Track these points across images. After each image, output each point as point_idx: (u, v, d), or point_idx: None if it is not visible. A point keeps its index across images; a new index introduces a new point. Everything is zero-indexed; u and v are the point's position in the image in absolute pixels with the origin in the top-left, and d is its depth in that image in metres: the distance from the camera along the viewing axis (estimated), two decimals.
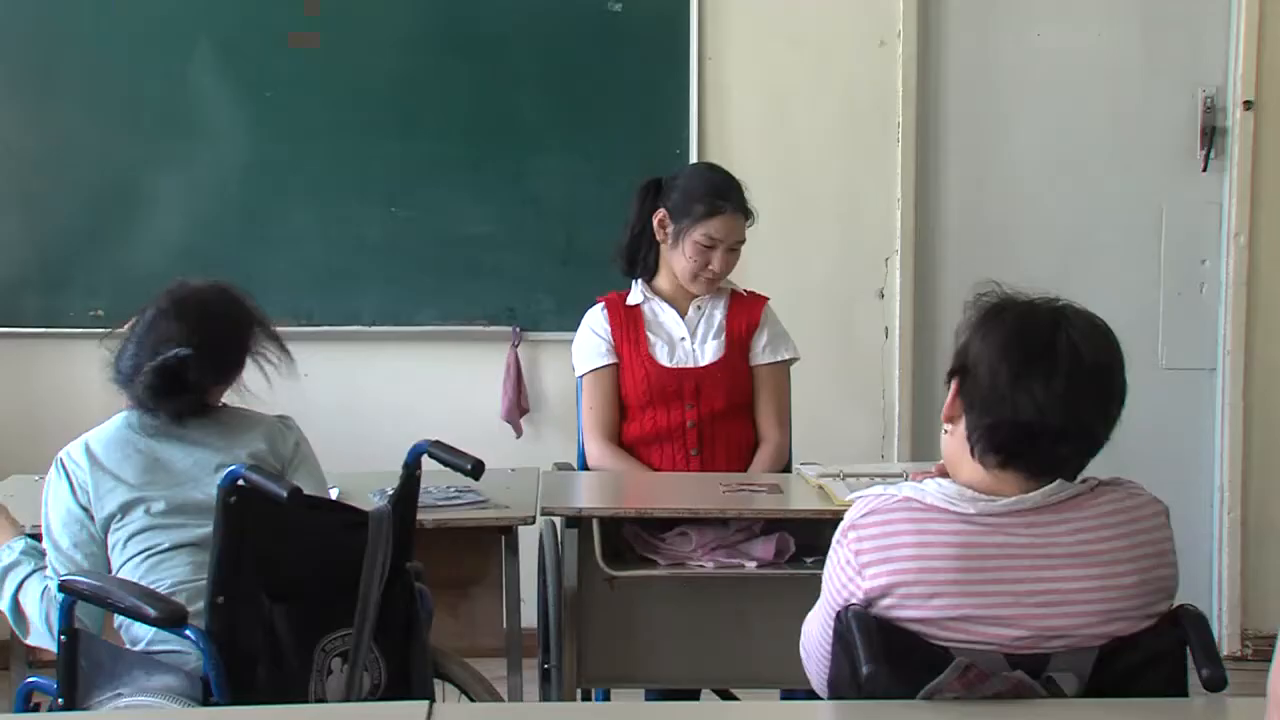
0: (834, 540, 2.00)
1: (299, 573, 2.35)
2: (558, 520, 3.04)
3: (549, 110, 4.40)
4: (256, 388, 2.58)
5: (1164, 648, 1.92)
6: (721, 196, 3.36)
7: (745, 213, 3.39)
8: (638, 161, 4.24)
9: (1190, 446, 4.61)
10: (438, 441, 2.55)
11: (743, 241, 3.41)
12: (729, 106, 4.45)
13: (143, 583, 2.39)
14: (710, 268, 3.38)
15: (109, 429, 2.53)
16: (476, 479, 2.60)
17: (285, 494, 2.23)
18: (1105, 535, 1.92)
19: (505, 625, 3.04)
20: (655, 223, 3.42)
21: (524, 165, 4.40)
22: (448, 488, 3.06)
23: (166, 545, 2.42)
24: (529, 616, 3.11)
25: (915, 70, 4.46)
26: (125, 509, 2.45)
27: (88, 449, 2.50)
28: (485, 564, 3.05)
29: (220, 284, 2.59)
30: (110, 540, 2.46)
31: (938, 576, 1.89)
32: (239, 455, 2.46)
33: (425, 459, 2.55)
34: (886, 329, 4.53)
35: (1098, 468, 2.02)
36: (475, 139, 4.38)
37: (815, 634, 2.05)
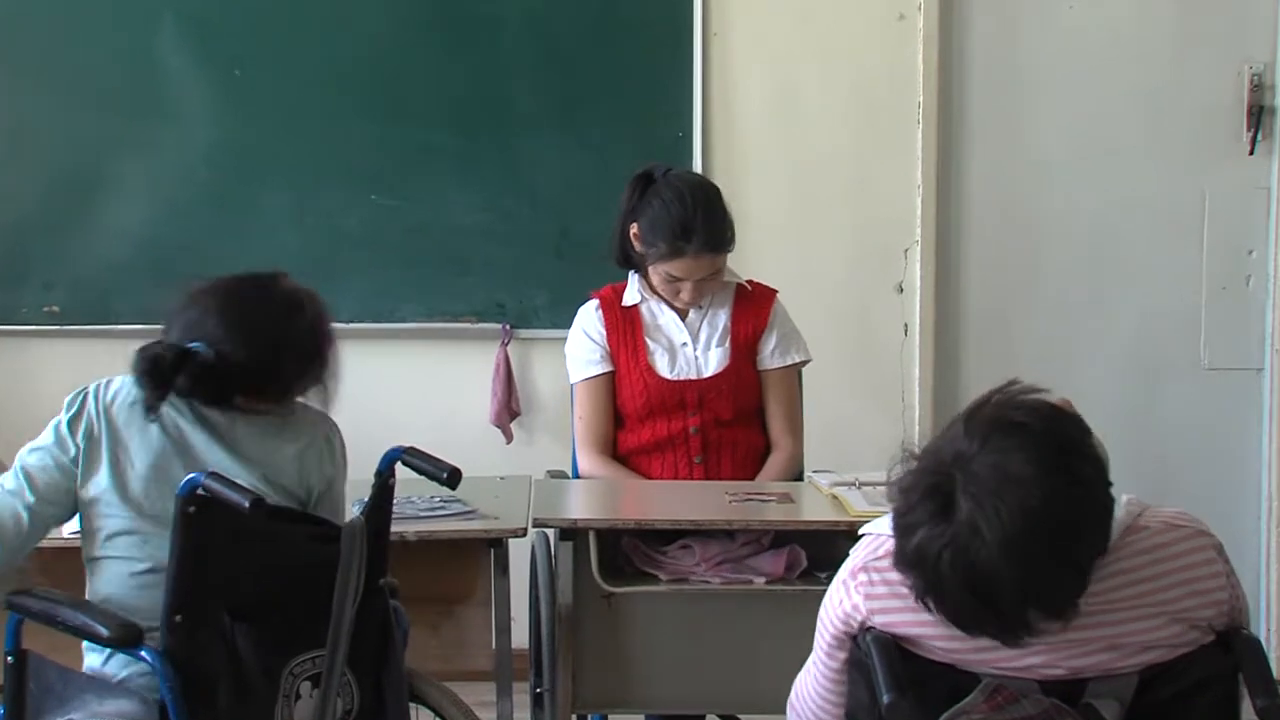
0: (838, 579, 1.95)
1: (265, 590, 2.32)
2: (551, 532, 3.02)
3: (543, 91, 4.37)
4: None
5: (1214, 673, 1.89)
6: (682, 237, 3.30)
7: (715, 247, 3.33)
8: (638, 146, 4.23)
9: (1234, 452, 4.59)
10: (412, 448, 2.53)
11: (718, 271, 3.36)
12: (735, 87, 4.42)
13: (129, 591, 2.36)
14: (681, 297, 3.37)
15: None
16: (453, 488, 2.57)
17: (248, 504, 2.20)
18: (1133, 579, 1.86)
19: (494, 646, 3.02)
20: (631, 237, 3.39)
21: (516, 150, 4.38)
22: (432, 497, 3.04)
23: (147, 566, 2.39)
24: (519, 637, 3.10)
25: (936, 47, 4.44)
26: (111, 491, 2.40)
27: (115, 401, 2.43)
28: (472, 580, 3.04)
29: (292, 290, 2.51)
30: (90, 513, 2.41)
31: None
32: (253, 475, 2.41)
33: (399, 467, 2.52)
34: (906, 326, 4.50)
35: (1137, 477, 1.97)
36: (463, 122, 4.36)
37: (808, 694, 2.01)
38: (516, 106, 4.37)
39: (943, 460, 1.79)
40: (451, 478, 2.53)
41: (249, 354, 2.42)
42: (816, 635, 1.99)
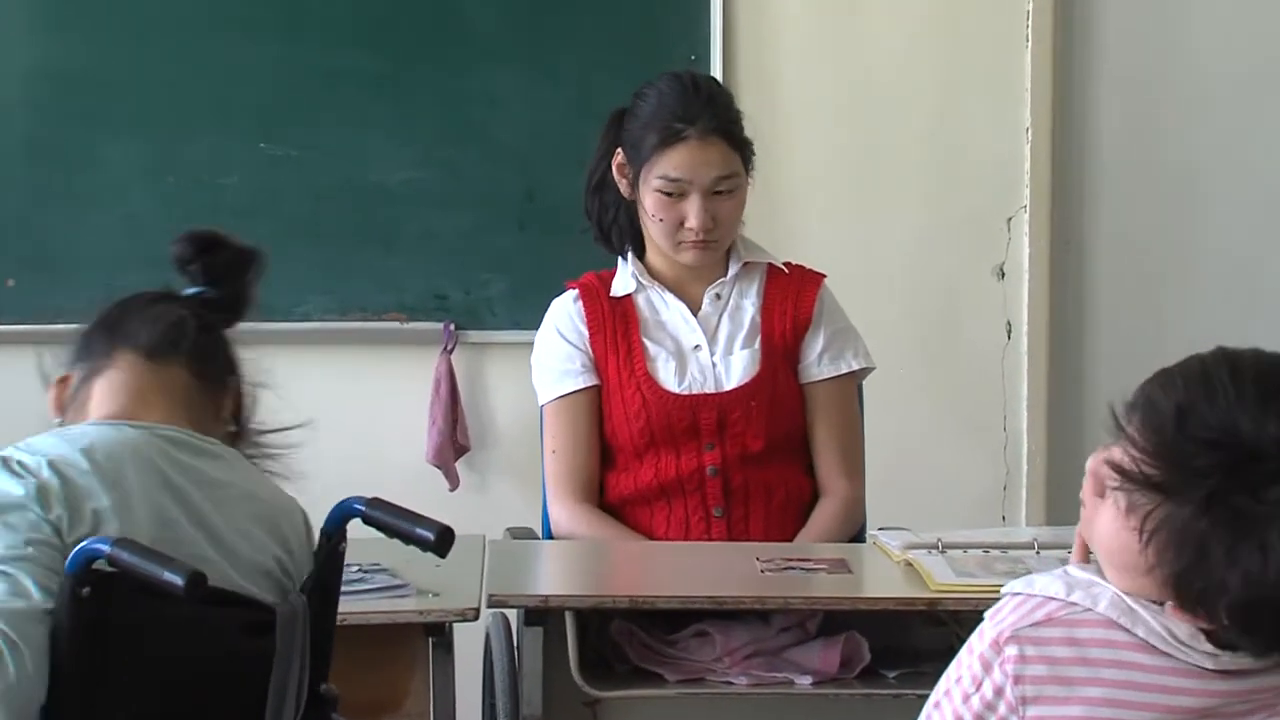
0: (973, 651, 1.93)
1: (181, 698, 2.30)
2: (513, 614, 3.05)
3: (504, 4, 4.41)
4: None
5: None
6: (682, 116, 3.33)
7: (728, 136, 3.36)
8: (632, 77, 4.20)
9: None
10: (376, 499, 2.48)
11: (735, 181, 3.36)
12: None
13: None
14: (687, 226, 3.35)
15: None
16: (442, 555, 2.54)
17: (183, 581, 2.13)
18: None
19: None
20: (614, 169, 3.42)
21: (465, 83, 4.42)
22: (350, 566, 3.04)
23: None
24: None
25: None
26: None
27: None
28: (404, 679, 3.03)
29: None
30: None
31: None
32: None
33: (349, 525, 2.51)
34: (1009, 324, 4.52)
35: None
36: (390, 41, 4.40)
37: None
38: (466, 21, 4.40)
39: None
40: (441, 540, 2.50)
41: None
42: None
